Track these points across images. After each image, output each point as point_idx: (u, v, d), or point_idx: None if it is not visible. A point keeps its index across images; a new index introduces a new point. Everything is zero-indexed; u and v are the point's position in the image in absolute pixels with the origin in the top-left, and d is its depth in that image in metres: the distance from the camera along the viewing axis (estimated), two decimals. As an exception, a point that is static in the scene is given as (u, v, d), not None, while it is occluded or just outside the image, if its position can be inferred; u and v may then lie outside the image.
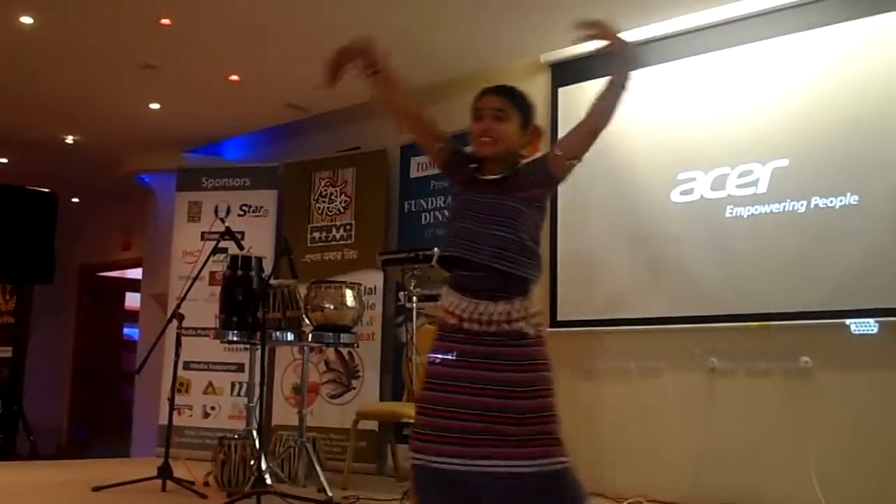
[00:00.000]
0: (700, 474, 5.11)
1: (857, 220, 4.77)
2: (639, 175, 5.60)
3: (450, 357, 2.60)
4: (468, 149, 2.78)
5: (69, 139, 8.55)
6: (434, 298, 5.20)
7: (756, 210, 5.14)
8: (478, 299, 2.60)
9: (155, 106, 7.56)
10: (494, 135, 2.67)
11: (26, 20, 5.83)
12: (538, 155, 2.76)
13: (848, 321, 4.69)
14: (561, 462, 2.53)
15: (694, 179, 5.40)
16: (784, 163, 5.07)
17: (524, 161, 2.76)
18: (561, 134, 5.88)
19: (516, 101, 2.75)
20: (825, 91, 4.99)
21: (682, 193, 5.44)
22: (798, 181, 5.01)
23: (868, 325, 4.64)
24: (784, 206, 5.04)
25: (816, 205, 4.92)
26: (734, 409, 5.11)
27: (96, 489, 5.09)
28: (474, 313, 2.60)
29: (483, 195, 2.65)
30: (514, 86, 2.81)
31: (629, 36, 5.68)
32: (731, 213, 5.23)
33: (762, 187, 5.13)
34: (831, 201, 4.87)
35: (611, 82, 2.76)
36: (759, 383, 5.06)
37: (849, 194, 4.82)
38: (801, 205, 4.98)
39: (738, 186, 5.23)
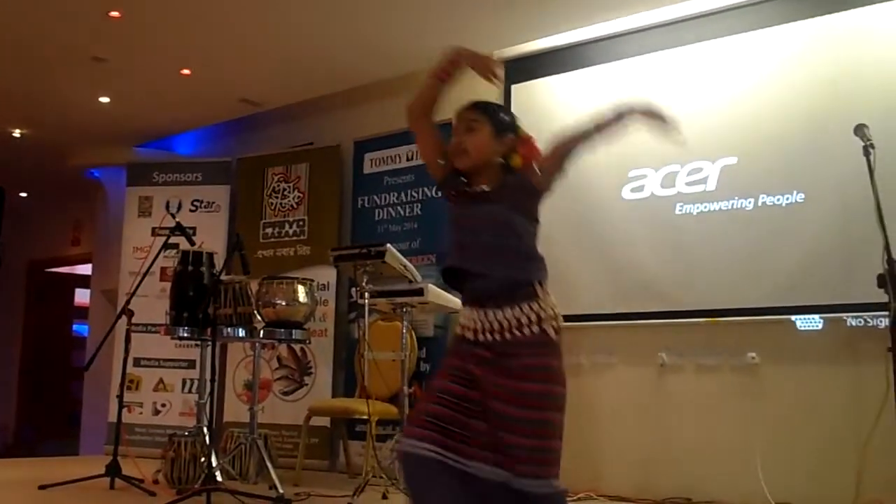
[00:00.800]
0: (649, 469, 5.17)
1: (802, 217, 4.86)
2: (591, 172, 5.63)
3: (460, 374, 2.58)
4: None
5: (16, 132, 8.40)
6: (386, 294, 5.20)
7: (705, 207, 5.21)
8: (485, 308, 2.61)
9: (105, 99, 7.46)
10: (466, 146, 2.72)
11: (-28, 11, 5.73)
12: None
13: (793, 317, 4.78)
14: (553, 486, 2.51)
15: (645, 177, 5.46)
16: (733, 161, 5.14)
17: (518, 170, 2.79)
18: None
19: (486, 111, 2.79)
20: (773, 91, 5.07)
21: (633, 191, 5.50)
22: (746, 179, 5.09)
23: (813, 321, 4.73)
24: (732, 204, 5.12)
25: (764, 202, 5.01)
26: (683, 403, 5.18)
27: (42, 487, 5.02)
28: (485, 322, 2.60)
29: (473, 207, 2.70)
30: (489, 100, 2.87)
31: (583, 33, 5.77)
32: (680, 210, 5.30)
33: (711, 185, 5.20)
34: (778, 199, 4.96)
35: (615, 124, 2.79)
36: (707, 378, 5.13)
37: (795, 192, 4.90)
38: (749, 202, 5.05)
39: (688, 184, 5.29)
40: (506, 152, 2.78)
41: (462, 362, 2.60)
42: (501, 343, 2.57)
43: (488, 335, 2.59)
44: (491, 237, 2.64)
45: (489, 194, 2.70)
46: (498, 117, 2.80)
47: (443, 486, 2.48)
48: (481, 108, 2.80)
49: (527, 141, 2.82)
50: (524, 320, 2.58)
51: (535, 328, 2.58)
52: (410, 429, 2.55)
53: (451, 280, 2.73)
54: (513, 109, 6.03)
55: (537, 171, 2.73)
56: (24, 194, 10.74)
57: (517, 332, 2.57)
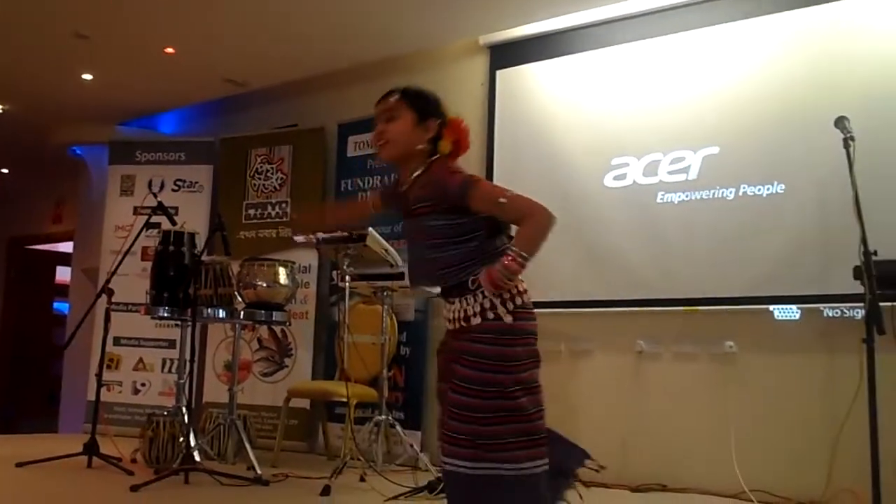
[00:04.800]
0: (626, 456, 5.20)
1: (783, 208, 4.89)
2: (573, 159, 5.66)
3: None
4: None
5: (-2, 108, 8.35)
6: (367, 278, 5.20)
7: (686, 196, 5.23)
8: (447, 301, 2.74)
9: (88, 76, 7.41)
10: (387, 136, 2.67)
11: (-47, -15, 5.68)
12: (449, 180, 2.62)
13: (771, 307, 4.81)
14: (460, 466, 2.53)
15: (627, 165, 5.47)
16: (715, 150, 5.16)
17: (459, 161, 2.75)
18: (498, 118, 5.96)
19: (406, 97, 2.70)
20: (756, 82, 5.09)
21: (616, 178, 5.51)
22: (727, 169, 5.11)
23: (790, 312, 4.77)
24: (713, 193, 5.14)
25: (745, 192, 5.03)
26: (660, 391, 5.22)
27: (20, 465, 5.01)
28: (448, 314, 2.73)
29: (405, 221, 2.78)
30: (409, 85, 2.75)
31: (568, 20, 5.76)
32: (662, 198, 5.31)
33: (693, 174, 5.22)
34: (759, 189, 4.98)
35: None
36: (684, 367, 5.17)
37: (776, 183, 4.93)
38: (730, 192, 5.08)
39: (670, 173, 5.31)
40: (432, 138, 2.69)
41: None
42: (454, 331, 2.69)
43: (449, 325, 2.73)
44: (420, 251, 2.71)
45: (409, 203, 2.70)
46: (419, 102, 2.70)
47: None
48: (400, 94, 2.71)
49: (455, 124, 2.72)
50: (469, 311, 2.63)
51: (478, 318, 2.61)
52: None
53: None
54: (497, 95, 6.07)
55: (472, 198, 2.59)
56: (5, 171, 10.68)
57: (464, 324, 2.64)
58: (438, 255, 2.65)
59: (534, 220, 2.57)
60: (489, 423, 2.52)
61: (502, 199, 2.56)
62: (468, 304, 2.63)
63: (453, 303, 2.69)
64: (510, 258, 2.53)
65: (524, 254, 2.53)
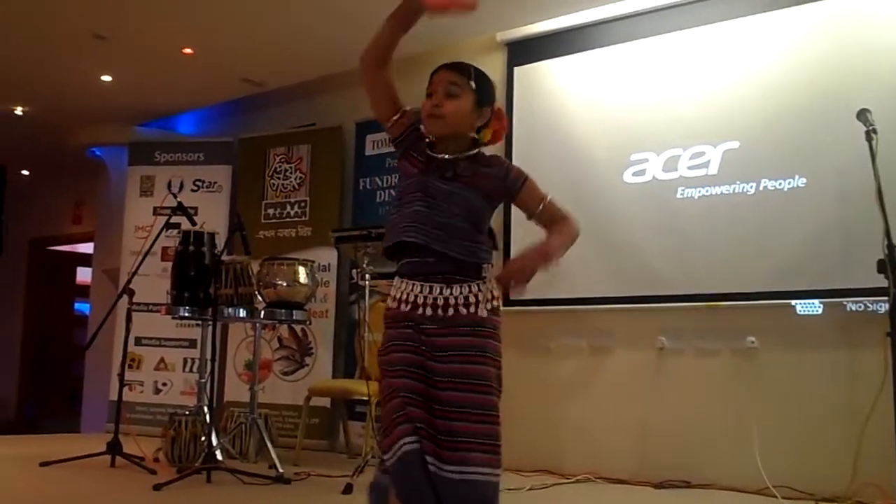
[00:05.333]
0: (648, 452, 5.19)
1: (804, 202, 4.86)
2: (592, 156, 5.64)
3: (404, 344, 2.47)
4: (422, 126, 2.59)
5: (18, 110, 8.39)
6: (387, 276, 5.19)
7: (707, 191, 5.21)
8: (431, 283, 2.47)
9: (107, 78, 7.44)
10: (446, 111, 2.51)
11: (-27, -12, 5.72)
12: (512, 167, 2.58)
13: (793, 302, 4.78)
14: (490, 474, 2.35)
15: (646, 161, 5.45)
16: (735, 145, 5.14)
17: (485, 149, 2.60)
18: (516, 115, 5.95)
19: (473, 76, 2.56)
20: (776, 75, 5.06)
21: (635, 174, 5.49)
22: (748, 163, 5.08)
23: (812, 306, 4.74)
24: (734, 188, 5.11)
25: (766, 187, 5.00)
26: (682, 387, 5.19)
27: (44, 464, 5.05)
28: (429, 297, 2.46)
29: (438, 180, 2.49)
30: (472, 63, 2.63)
31: (586, 16, 5.75)
32: (682, 194, 5.29)
33: (713, 169, 5.20)
34: (780, 184, 4.95)
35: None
36: (706, 362, 5.14)
37: (797, 177, 4.90)
38: (751, 187, 5.05)
39: (690, 168, 5.29)
40: (482, 126, 2.58)
41: (410, 341, 2.47)
42: (444, 319, 2.45)
43: (428, 309, 2.46)
44: (454, 216, 2.45)
45: (456, 170, 2.51)
46: (484, 86, 2.58)
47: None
48: (467, 72, 2.57)
49: (500, 115, 2.62)
50: (471, 300, 2.45)
51: (475, 308, 2.45)
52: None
53: (394, 251, 2.55)
54: (514, 91, 6.05)
55: (523, 191, 2.55)
56: (25, 172, 10.74)
57: (462, 310, 2.44)
58: (466, 225, 2.48)
59: (571, 223, 2.54)
60: (499, 422, 2.43)
61: (549, 198, 2.56)
62: (475, 291, 2.46)
63: (450, 285, 2.46)
64: (556, 244, 2.46)
65: (562, 247, 2.46)
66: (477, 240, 2.50)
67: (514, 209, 5.69)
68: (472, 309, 2.45)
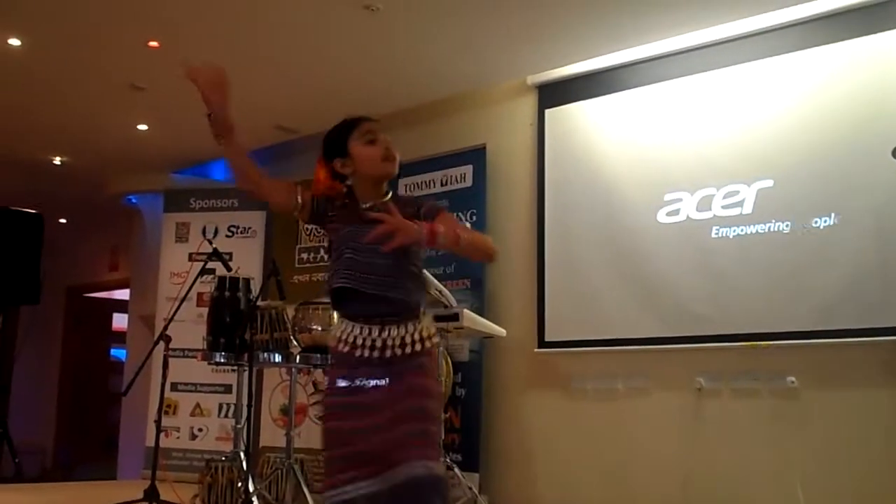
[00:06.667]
0: (687, 494, 5.12)
1: (840, 240, 4.82)
2: (625, 196, 5.63)
3: (343, 385, 2.61)
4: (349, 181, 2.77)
5: (56, 160, 8.54)
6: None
7: (742, 230, 5.18)
8: (370, 325, 2.61)
9: (143, 127, 7.56)
10: (395, 154, 2.74)
11: (14, 42, 5.84)
12: (425, 202, 2.78)
13: (832, 340, 4.72)
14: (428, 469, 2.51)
15: (680, 200, 5.43)
16: (769, 183, 5.11)
17: (393, 192, 2.80)
18: (548, 156, 5.97)
19: None
20: (808, 112, 5.05)
21: (669, 214, 5.47)
22: (783, 201, 5.05)
23: (852, 345, 4.67)
24: (769, 227, 5.08)
25: (801, 225, 4.96)
26: (721, 428, 5.12)
27: (82, 512, 5.07)
28: (367, 339, 2.60)
29: (364, 226, 2.59)
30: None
31: (616, 58, 5.78)
32: (717, 233, 5.27)
33: (748, 208, 5.17)
34: (815, 222, 4.91)
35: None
36: (745, 403, 5.08)
37: (833, 214, 4.86)
38: (786, 225, 5.02)
39: (724, 207, 5.26)
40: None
41: (342, 387, 2.61)
42: (381, 360, 2.58)
43: (366, 351, 2.59)
44: (382, 257, 2.56)
45: (381, 213, 2.63)
46: None
47: None
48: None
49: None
50: (408, 339, 2.59)
51: (417, 346, 2.60)
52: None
53: (337, 299, 2.69)
54: (546, 134, 6.08)
55: (437, 218, 2.69)
56: (63, 220, 10.89)
57: (398, 351, 2.58)
58: (394, 265, 2.62)
59: (489, 240, 2.77)
60: (438, 423, 2.67)
61: (466, 223, 2.76)
62: (410, 331, 2.61)
63: (386, 326, 2.60)
64: (463, 229, 2.68)
65: (464, 235, 2.61)
66: (409, 278, 2.66)
67: (547, 259, 5.78)
68: (407, 350, 2.59)
